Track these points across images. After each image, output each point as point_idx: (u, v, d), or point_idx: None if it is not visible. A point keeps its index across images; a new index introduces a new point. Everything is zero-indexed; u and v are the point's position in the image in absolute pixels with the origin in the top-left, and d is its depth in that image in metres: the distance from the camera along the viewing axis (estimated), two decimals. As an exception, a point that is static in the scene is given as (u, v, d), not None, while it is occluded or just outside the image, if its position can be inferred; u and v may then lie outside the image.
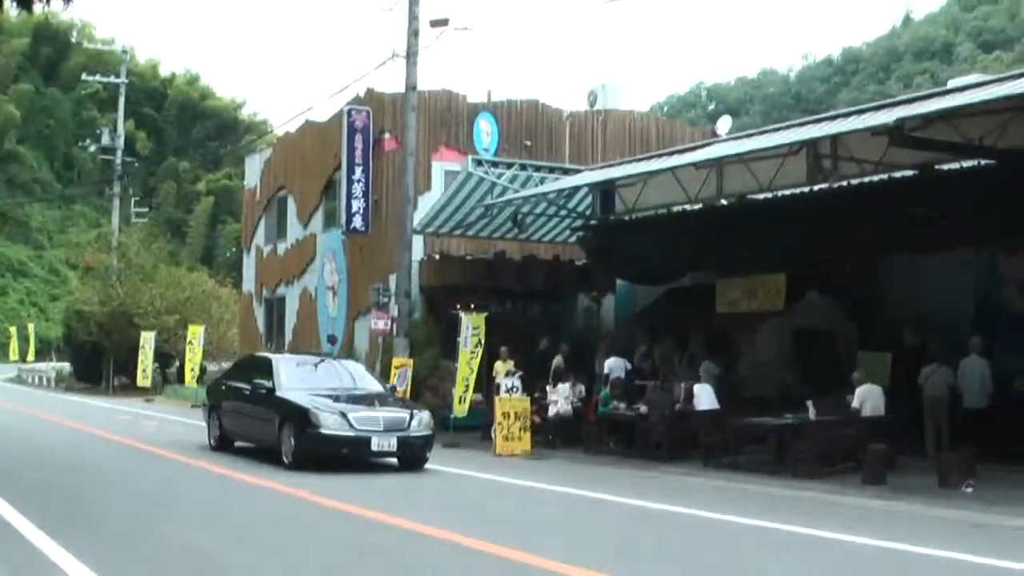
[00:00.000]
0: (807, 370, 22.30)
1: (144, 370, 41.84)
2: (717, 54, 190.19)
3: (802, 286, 22.46)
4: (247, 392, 19.28)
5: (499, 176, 24.81)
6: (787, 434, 17.63)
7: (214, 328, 46.07)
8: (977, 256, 21.48)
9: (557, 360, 24.74)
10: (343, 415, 17.28)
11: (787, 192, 21.29)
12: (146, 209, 76.06)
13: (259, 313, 36.21)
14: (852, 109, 19.99)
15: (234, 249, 72.73)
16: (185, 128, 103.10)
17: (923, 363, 19.69)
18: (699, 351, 24.13)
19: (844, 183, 20.31)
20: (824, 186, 20.65)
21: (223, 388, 20.92)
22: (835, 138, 19.37)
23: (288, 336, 33.69)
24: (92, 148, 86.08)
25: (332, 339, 30.44)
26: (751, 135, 21.92)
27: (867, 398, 17.53)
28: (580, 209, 26.33)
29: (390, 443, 17.44)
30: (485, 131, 29.27)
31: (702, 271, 25.53)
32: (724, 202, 22.89)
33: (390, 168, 28.22)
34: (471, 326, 23.76)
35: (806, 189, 21.12)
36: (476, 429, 24.43)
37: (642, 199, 24.59)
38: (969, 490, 14.85)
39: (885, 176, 19.75)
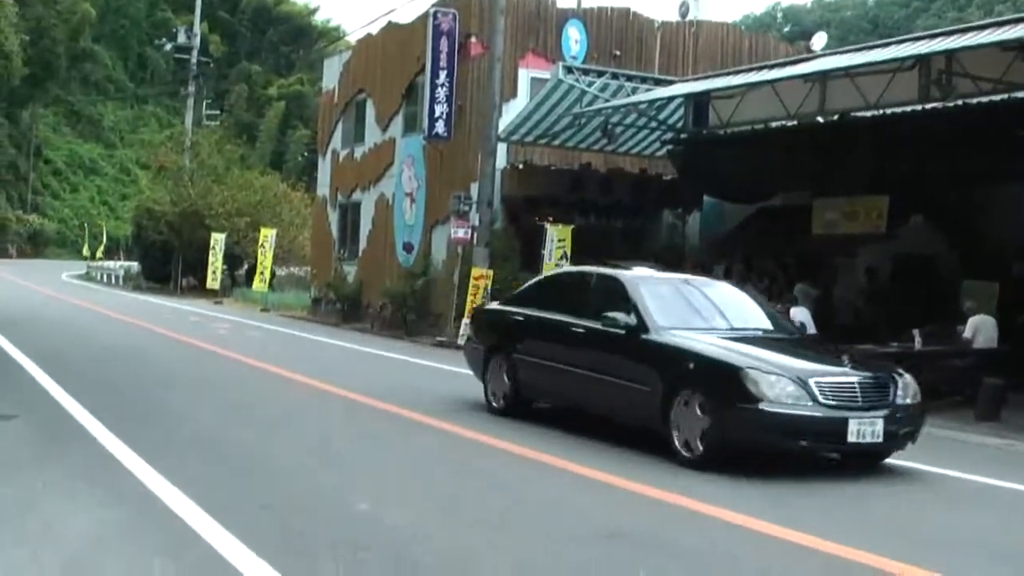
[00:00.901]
0: (908, 297, 21.31)
1: (214, 272, 41.62)
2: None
3: (906, 210, 21.48)
4: (574, 330, 12.71)
5: (589, 85, 23.84)
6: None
7: (284, 232, 45.69)
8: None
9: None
10: (801, 381, 10.44)
11: (895, 110, 20.17)
12: (217, 112, 75.62)
13: (333, 218, 35.59)
14: (967, 25, 18.87)
15: (305, 154, 72.46)
16: (259, 32, 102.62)
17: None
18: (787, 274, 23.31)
19: (958, 102, 19.19)
20: (935, 105, 19.54)
21: (513, 320, 14.01)
22: (951, 54, 18.37)
23: (363, 243, 33.08)
24: (168, 47, 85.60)
25: (408, 247, 29.82)
26: (860, 49, 20.78)
27: (980, 329, 16.60)
28: (671, 122, 25.36)
29: (875, 429, 10.42)
30: (574, 39, 28.26)
31: (797, 191, 24.63)
32: (824, 119, 21.77)
33: (475, 73, 27.34)
34: (556, 238, 23.05)
35: (916, 108, 20.02)
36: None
37: (737, 114, 23.58)
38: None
39: (1003, 96, 18.53)
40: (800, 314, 19.16)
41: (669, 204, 28.82)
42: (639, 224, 29.20)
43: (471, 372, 14.84)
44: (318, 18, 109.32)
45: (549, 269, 23.03)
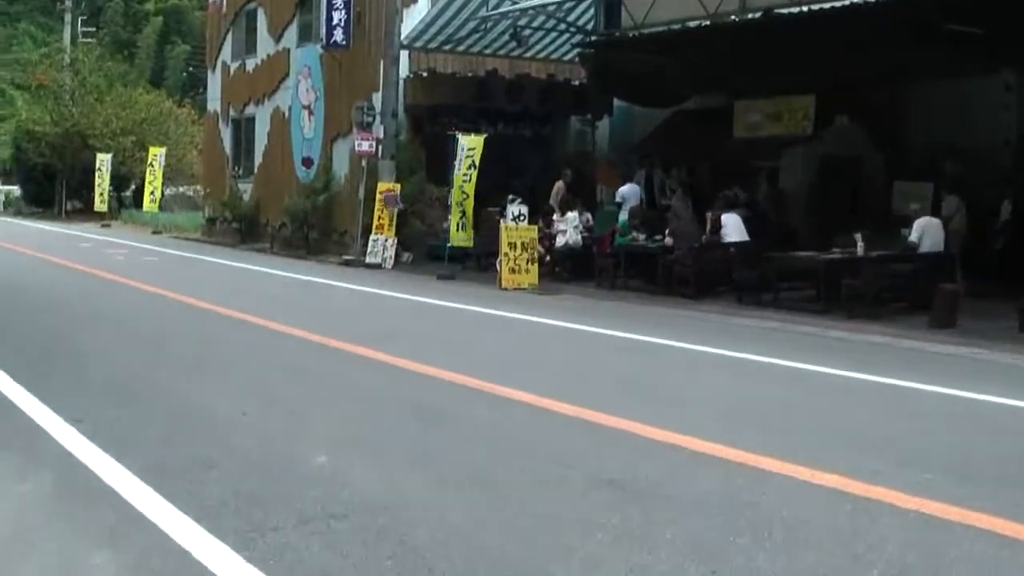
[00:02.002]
0: (836, 200, 20.68)
1: (101, 194, 39.77)
2: None
3: (831, 111, 20.81)
4: None
5: (498, -16, 22.71)
6: (837, 270, 16.12)
7: (172, 150, 43.83)
8: (1021, 80, 19.90)
9: (559, 186, 22.99)
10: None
11: (821, 7, 19.31)
12: (93, 29, 72.27)
13: (226, 135, 33.90)
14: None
15: (190, 70, 69.64)
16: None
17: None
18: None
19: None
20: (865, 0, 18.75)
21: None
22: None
23: (258, 159, 31.58)
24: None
25: (308, 162, 28.46)
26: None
27: (927, 231, 15.96)
28: (582, 23, 24.33)
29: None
30: (478, -62, 26.90)
31: (716, 93, 23.85)
32: (745, 18, 20.86)
33: (375, -23, 25.98)
34: (466, 147, 21.95)
35: (844, 3, 19.20)
36: (465, 259, 22.95)
37: (652, 14, 22.53)
38: (1054, 334, 13.47)
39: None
40: (732, 221, 18.51)
41: (578, 110, 27.81)
42: (547, 132, 28.20)
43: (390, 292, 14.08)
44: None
45: (459, 180, 22.00)
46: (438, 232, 24.53)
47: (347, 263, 24.61)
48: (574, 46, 24.84)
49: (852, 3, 18.97)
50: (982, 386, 10.06)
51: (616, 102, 26.91)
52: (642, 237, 19.54)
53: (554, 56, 26.46)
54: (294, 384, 9.95)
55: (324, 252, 26.83)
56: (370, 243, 24.18)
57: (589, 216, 21.72)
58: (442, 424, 8.25)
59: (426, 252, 24.56)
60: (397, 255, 24.27)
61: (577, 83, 27.44)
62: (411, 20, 24.95)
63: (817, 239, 19.93)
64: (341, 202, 26.95)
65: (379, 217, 24.10)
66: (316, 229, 27.45)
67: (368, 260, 24.05)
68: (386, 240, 24.13)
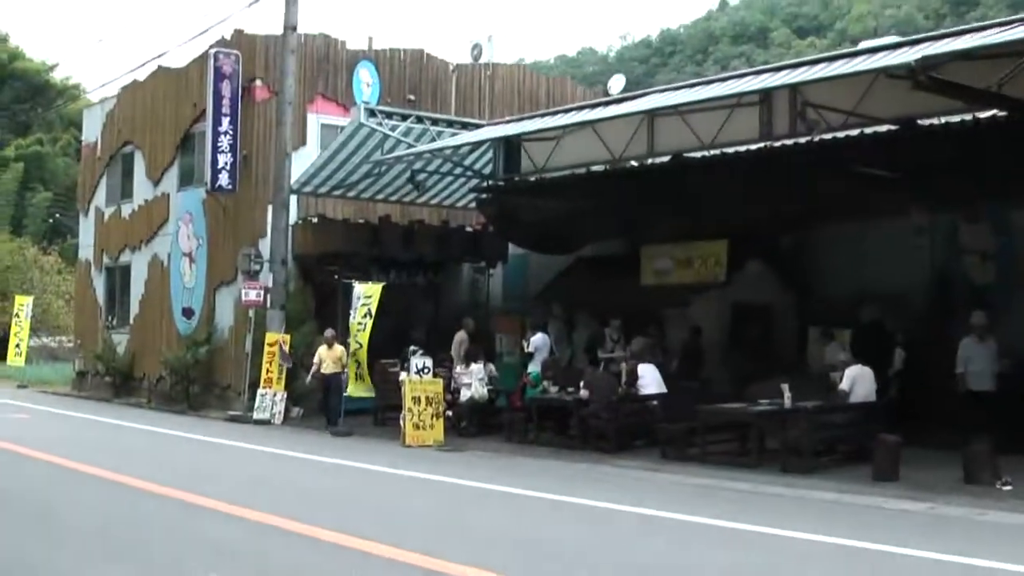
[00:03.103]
0: (749, 348, 20.04)
1: (-39, 348, 37.49)
2: (534, 33, 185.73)
3: (741, 255, 20.27)
4: None
5: (392, 129, 21.85)
6: (768, 422, 15.31)
7: (37, 299, 41.74)
8: (934, 224, 19.63)
9: (461, 336, 21.93)
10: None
11: (736, 150, 18.86)
12: (-51, 176, 69.87)
13: (99, 283, 32.13)
14: (814, 57, 17.73)
15: (53, 217, 67.56)
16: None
17: (878, 341, 17.68)
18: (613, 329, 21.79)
19: (798, 140, 18.03)
20: (776, 144, 18.35)
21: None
22: (796, 88, 17.25)
23: (134, 309, 29.91)
24: None
25: (188, 312, 26.98)
26: (694, 84, 19.46)
27: (858, 380, 15.26)
28: (479, 168, 23.64)
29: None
30: (365, 82, 26.21)
31: (616, 239, 23.26)
32: (653, 161, 20.32)
33: (261, 120, 24.94)
34: (362, 295, 20.85)
35: (756, 146, 18.76)
36: (359, 414, 21.64)
37: (554, 158, 21.99)
38: (1007, 488, 12.73)
39: (849, 132, 17.29)
40: (649, 372, 17.68)
41: (472, 258, 27.00)
42: (440, 280, 27.25)
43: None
44: (57, 75, 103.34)
45: (354, 329, 20.84)
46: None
47: (233, 419, 23.13)
48: (473, 191, 24.06)
49: (763, 147, 18.65)
50: (960, 546, 9.18)
51: (511, 250, 26.24)
52: (554, 389, 18.55)
53: (448, 202, 25.65)
54: None
55: (206, 407, 25.28)
56: (258, 397, 22.76)
57: (492, 367, 20.68)
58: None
59: (317, 407, 23.22)
60: (287, 410, 22.89)
61: (471, 229, 26.72)
62: (300, 163, 23.95)
63: (732, 389, 19.24)
64: (225, 354, 25.52)
65: (267, 370, 22.75)
66: (197, 383, 25.89)
67: (256, 416, 22.60)
68: (275, 394, 22.76)
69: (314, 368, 21.12)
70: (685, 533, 10.53)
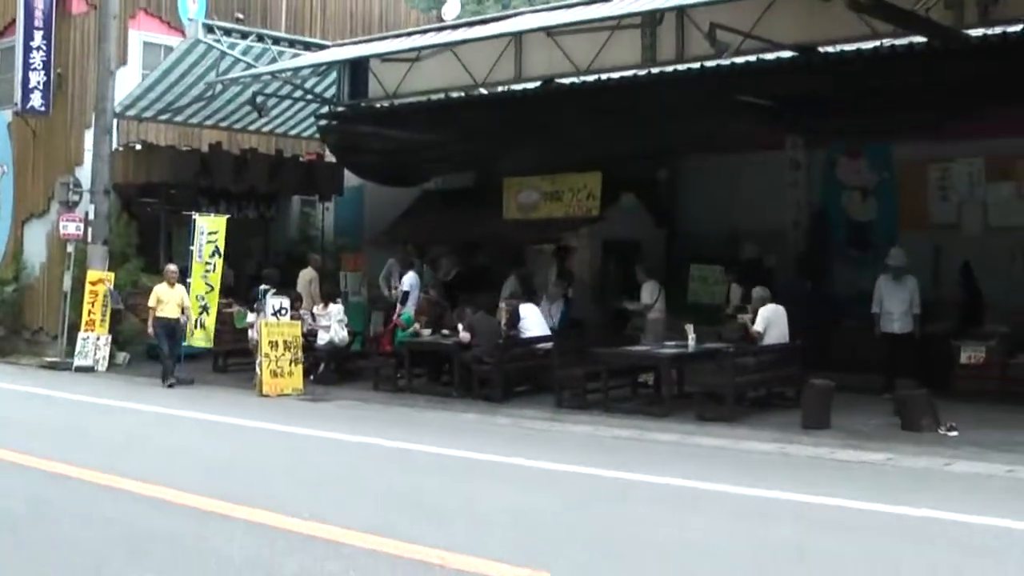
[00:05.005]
0: (620, 287, 18.98)
1: None
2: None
3: (615, 189, 19.20)
4: None
5: (231, 48, 19.92)
6: (677, 366, 14.32)
7: None
8: (811, 158, 18.96)
9: (310, 274, 20.17)
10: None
11: (610, 76, 17.68)
12: None
13: None
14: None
15: None
16: None
17: (754, 277, 16.86)
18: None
19: (677, 68, 17.01)
20: (655, 70, 17.27)
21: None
22: (685, 10, 16.23)
23: (-79, 245, 26.93)
24: None
25: (-10, 248, 24.35)
26: (572, 5, 18.18)
27: (773, 321, 14.33)
28: (321, 92, 21.90)
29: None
30: (191, -2, 24.00)
31: (475, 170, 21.97)
32: (521, 86, 18.96)
33: (77, 35, 22.50)
34: (207, 230, 18.98)
35: (629, 73, 17.64)
36: (197, 359, 19.82)
37: (407, 82, 20.48)
38: (954, 434, 12.00)
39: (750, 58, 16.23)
40: (531, 313, 16.56)
41: (307, 190, 25.19)
42: (272, 213, 25.39)
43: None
44: None
45: (200, 269, 18.95)
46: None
47: (51, 365, 20.89)
48: (315, 117, 22.25)
49: (638, 74, 17.55)
50: (963, 503, 8.34)
51: (345, 182, 24.57)
52: (427, 332, 17.14)
53: (282, 129, 23.78)
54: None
55: (14, 352, 22.84)
56: (79, 341, 20.58)
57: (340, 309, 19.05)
58: None
59: (145, 351, 21.22)
60: (111, 356, 20.79)
61: (304, 160, 24.93)
62: (121, 86, 21.70)
63: (605, 329, 18.25)
64: (35, 294, 23.12)
65: (89, 312, 20.57)
66: (3, 325, 23.40)
67: (78, 363, 20.43)
68: (98, 338, 20.63)
69: (152, 313, 18.14)
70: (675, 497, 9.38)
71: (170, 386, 17.77)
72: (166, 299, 18.14)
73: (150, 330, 18.21)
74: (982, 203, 17.68)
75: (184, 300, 18.36)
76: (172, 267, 18.68)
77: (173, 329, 18.23)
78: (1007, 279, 16.58)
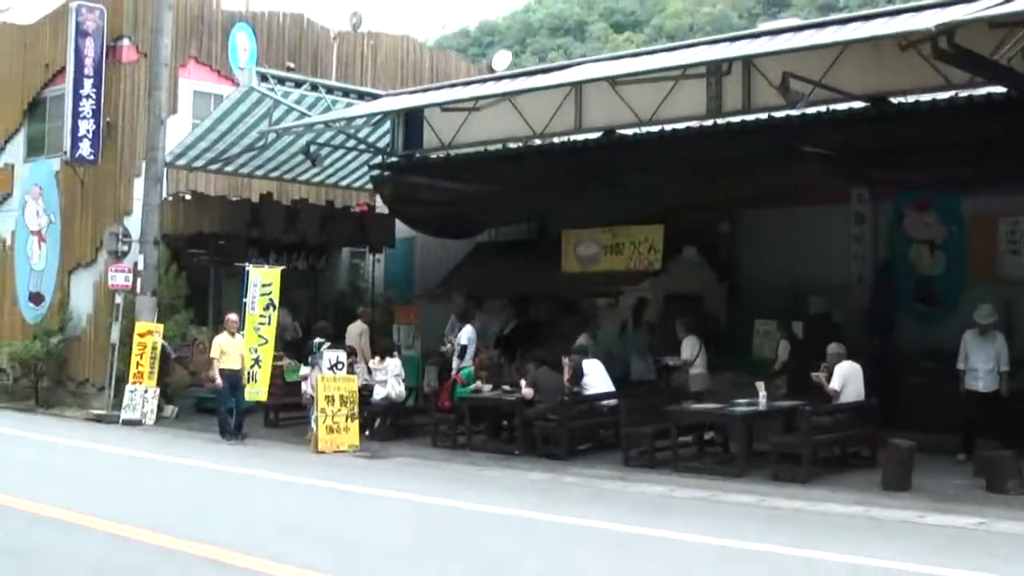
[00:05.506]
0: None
1: None
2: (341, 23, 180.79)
3: (677, 242, 18.76)
4: None
5: (285, 96, 19.65)
6: (749, 424, 13.80)
7: None
8: (877, 211, 18.47)
9: (360, 327, 19.74)
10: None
11: (675, 127, 17.29)
12: None
13: (-77, 266, 28.74)
14: (789, 25, 16.34)
15: None
16: None
17: (823, 334, 16.33)
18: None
19: (744, 119, 16.61)
20: (721, 121, 16.87)
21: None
22: (751, 61, 15.82)
23: (-33, 294, 26.74)
24: None
25: (37, 298, 24.05)
26: (636, 54, 17.84)
27: (849, 378, 13.81)
28: (374, 142, 21.58)
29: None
30: (242, 47, 23.81)
31: (531, 223, 21.61)
32: (584, 137, 18.58)
33: (127, 84, 22.32)
34: (260, 282, 18.60)
35: (693, 124, 17.25)
36: (248, 413, 19.31)
37: (464, 133, 20.11)
38: (1041, 496, 11.49)
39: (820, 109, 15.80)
40: (595, 369, 15.99)
41: (357, 242, 24.88)
42: (321, 265, 25.10)
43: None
44: None
45: (254, 321, 18.55)
46: (203, 382, 21.03)
47: (97, 418, 20.53)
48: (369, 167, 21.94)
49: (702, 125, 17.17)
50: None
51: (398, 234, 24.23)
52: (488, 388, 16.67)
53: (333, 179, 23.50)
54: None
55: (59, 404, 22.52)
56: (127, 394, 20.23)
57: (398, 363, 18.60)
58: None
59: (193, 404, 20.88)
60: (159, 408, 20.43)
61: (357, 211, 24.63)
62: (171, 135, 21.44)
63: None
64: (81, 345, 22.79)
65: (138, 363, 20.23)
66: (48, 377, 23.06)
67: (125, 415, 20.08)
68: (146, 391, 20.26)
69: (215, 365, 17.55)
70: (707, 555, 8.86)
71: (242, 439, 17.32)
72: (229, 350, 17.66)
73: (217, 382, 17.56)
74: (1053, 257, 17.12)
75: (244, 350, 17.94)
76: (233, 316, 18.16)
77: (237, 381, 17.73)
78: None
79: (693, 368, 16.88)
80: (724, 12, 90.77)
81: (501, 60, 27.78)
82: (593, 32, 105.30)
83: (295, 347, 21.21)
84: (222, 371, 17.47)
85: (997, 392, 14.07)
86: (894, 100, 15.18)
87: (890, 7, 14.50)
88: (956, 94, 14.54)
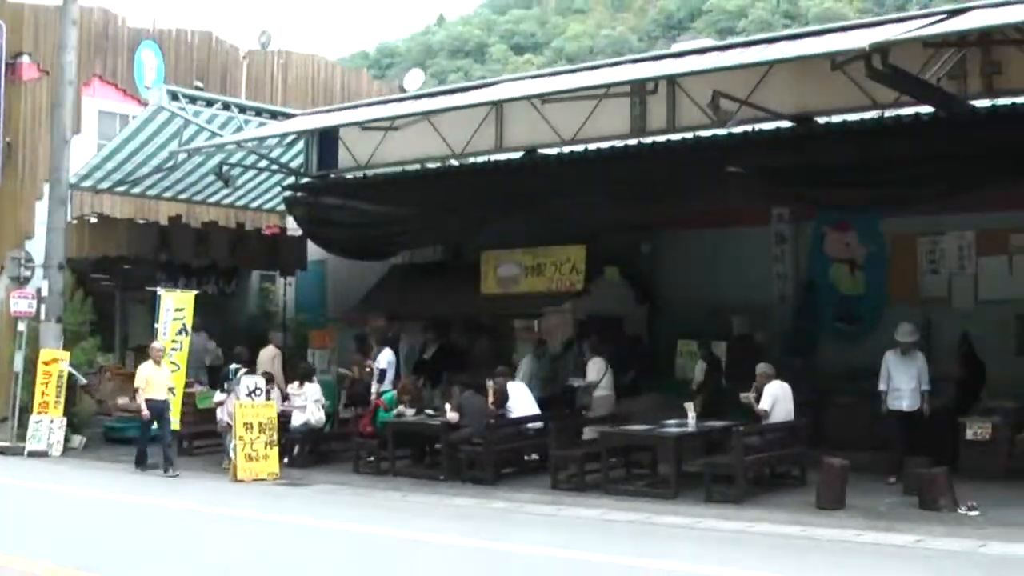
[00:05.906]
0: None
1: None
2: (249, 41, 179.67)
3: (598, 262, 18.57)
4: None
5: (195, 115, 19.10)
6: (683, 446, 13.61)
7: None
8: (798, 231, 18.49)
9: (272, 352, 19.26)
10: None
11: (599, 146, 17.09)
12: None
13: None
14: (719, 43, 16.27)
15: None
16: None
17: (745, 354, 16.29)
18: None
19: (669, 138, 16.49)
20: (646, 140, 16.72)
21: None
22: (675, 80, 15.71)
23: None
24: None
25: (-69, 327, 23.09)
26: (557, 73, 17.64)
27: (779, 398, 13.70)
28: (286, 162, 21.06)
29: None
30: (149, 64, 23.20)
31: (448, 244, 21.27)
32: (503, 156, 18.29)
33: (28, 103, 21.58)
34: (174, 307, 18.03)
35: (617, 143, 17.06)
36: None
37: (381, 153, 19.71)
38: (974, 513, 11.45)
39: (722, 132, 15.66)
40: (520, 391, 15.78)
41: (269, 265, 24.33)
42: (231, 289, 24.50)
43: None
44: None
45: (168, 346, 17.96)
46: (111, 411, 20.40)
47: (1, 451, 19.67)
48: (282, 188, 21.45)
49: (627, 145, 16.99)
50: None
51: (309, 256, 23.75)
52: (410, 412, 16.29)
53: (246, 201, 22.90)
54: None
55: (-44, 437, 21.59)
56: (31, 425, 19.45)
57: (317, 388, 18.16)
58: None
59: (102, 434, 20.19)
60: (66, 439, 19.67)
61: (267, 232, 24.10)
62: (75, 156, 20.70)
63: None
64: (-20, 374, 21.93)
65: (43, 393, 19.44)
66: (-57, 409, 22.12)
67: (30, 447, 19.28)
68: (52, 421, 19.49)
69: (140, 395, 16.84)
70: None
71: (175, 474, 16.57)
72: (154, 380, 16.94)
73: (144, 412, 16.77)
74: (973, 276, 17.25)
75: (170, 380, 17.29)
76: (158, 344, 17.52)
77: (163, 411, 16.95)
78: (999, 353, 16.09)
79: (598, 390, 16.73)
80: (624, 35, 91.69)
81: (413, 80, 27.50)
82: (493, 54, 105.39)
83: (217, 372, 20.60)
84: (148, 400, 16.74)
85: (920, 411, 14.08)
86: (820, 120, 15.17)
87: (817, 27, 14.53)
88: (883, 114, 14.56)
